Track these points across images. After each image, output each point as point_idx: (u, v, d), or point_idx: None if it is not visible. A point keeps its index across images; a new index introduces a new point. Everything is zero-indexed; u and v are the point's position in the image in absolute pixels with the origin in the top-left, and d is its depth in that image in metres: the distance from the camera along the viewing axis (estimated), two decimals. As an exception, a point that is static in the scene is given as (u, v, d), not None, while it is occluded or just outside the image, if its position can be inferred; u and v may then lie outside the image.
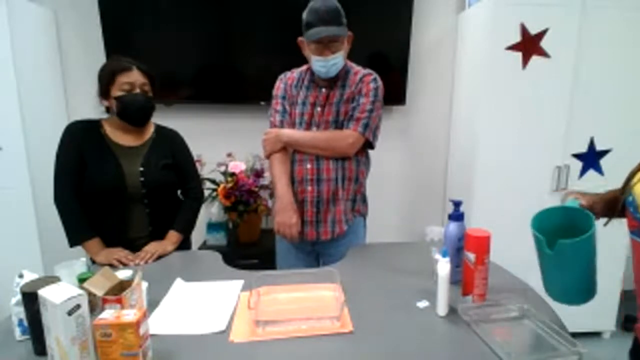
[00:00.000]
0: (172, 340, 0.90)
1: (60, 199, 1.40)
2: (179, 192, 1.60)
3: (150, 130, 1.52)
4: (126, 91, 1.38)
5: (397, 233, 2.70)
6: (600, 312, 2.36)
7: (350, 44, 1.47)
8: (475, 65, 2.26)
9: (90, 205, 1.42)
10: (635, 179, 0.87)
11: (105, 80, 1.38)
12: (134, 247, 1.43)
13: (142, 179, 1.43)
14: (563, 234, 0.88)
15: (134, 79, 1.39)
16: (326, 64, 1.40)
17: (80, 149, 1.39)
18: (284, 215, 1.43)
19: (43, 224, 2.04)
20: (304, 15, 1.39)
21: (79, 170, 1.39)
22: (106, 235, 1.43)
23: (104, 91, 1.39)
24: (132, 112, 1.41)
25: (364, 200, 1.61)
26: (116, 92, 1.38)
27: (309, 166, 1.46)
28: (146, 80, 1.42)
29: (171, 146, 1.54)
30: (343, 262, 1.37)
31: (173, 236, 1.50)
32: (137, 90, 1.39)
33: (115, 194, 1.40)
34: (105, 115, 1.49)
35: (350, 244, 1.50)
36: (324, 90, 1.49)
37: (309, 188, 1.47)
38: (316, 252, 1.58)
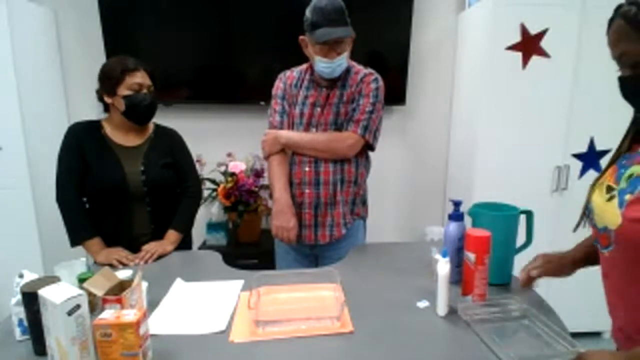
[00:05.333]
0: (172, 340, 0.90)
1: (63, 199, 1.41)
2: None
3: (149, 130, 1.53)
4: (135, 91, 1.39)
5: (397, 233, 2.70)
6: (600, 312, 2.35)
7: (352, 44, 1.44)
8: (475, 65, 2.25)
9: (93, 205, 1.43)
10: (593, 189, 0.87)
11: (115, 78, 1.38)
12: (137, 245, 1.44)
13: (143, 177, 1.43)
14: None
15: (142, 80, 1.41)
16: (332, 65, 1.37)
17: (82, 150, 1.40)
18: (281, 218, 1.42)
19: (43, 224, 2.03)
20: (308, 14, 1.34)
21: (81, 171, 1.40)
22: (109, 234, 1.43)
23: (111, 88, 1.39)
24: (140, 112, 1.42)
25: (364, 203, 1.59)
26: (124, 91, 1.38)
27: (307, 169, 1.45)
28: (151, 83, 1.44)
29: (170, 145, 1.55)
30: (343, 263, 1.37)
31: (172, 235, 1.50)
32: (145, 91, 1.41)
33: (116, 194, 1.41)
34: (103, 115, 1.49)
35: (350, 247, 1.48)
36: (324, 90, 1.46)
37: (307, 191, 1.46)
38: (315, 255, 1.57)
